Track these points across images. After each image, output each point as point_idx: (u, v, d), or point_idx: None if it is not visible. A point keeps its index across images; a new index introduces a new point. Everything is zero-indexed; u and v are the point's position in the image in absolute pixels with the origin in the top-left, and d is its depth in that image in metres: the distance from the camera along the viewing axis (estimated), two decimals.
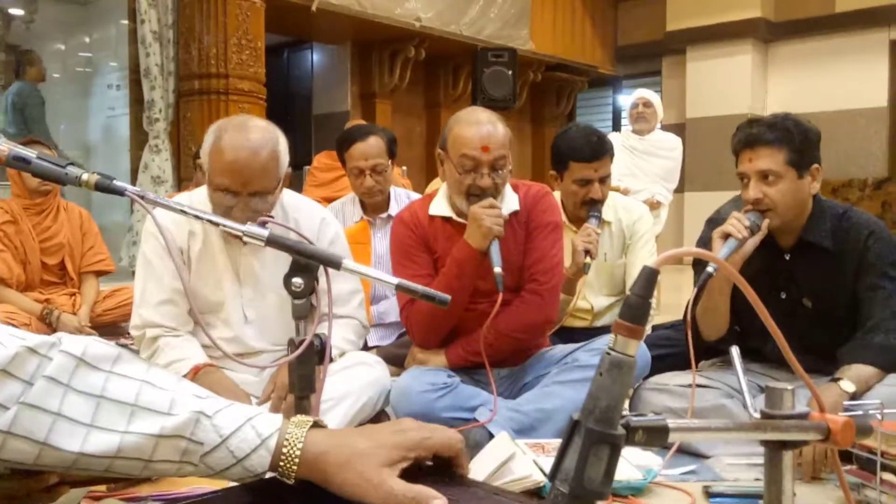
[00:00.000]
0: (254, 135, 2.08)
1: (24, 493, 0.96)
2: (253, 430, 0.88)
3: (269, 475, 0.90)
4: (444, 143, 2.30)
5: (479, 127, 2.23)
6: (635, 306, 0.65)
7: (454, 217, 2.36)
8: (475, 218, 2.20)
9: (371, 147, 3.27)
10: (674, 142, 5.76)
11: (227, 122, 2.16)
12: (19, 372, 0.84)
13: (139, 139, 6.61)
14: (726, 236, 2.18)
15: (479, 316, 2.27)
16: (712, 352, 2.38)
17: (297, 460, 0.87)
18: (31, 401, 0.83)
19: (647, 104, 5.54)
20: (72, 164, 1.24)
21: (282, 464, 0.88)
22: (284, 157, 2.16)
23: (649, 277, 0.66)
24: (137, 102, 6.53)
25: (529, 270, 2.34)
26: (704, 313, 2.28)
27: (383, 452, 0.87)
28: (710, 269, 2.15)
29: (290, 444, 0.88)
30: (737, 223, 2.17)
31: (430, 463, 0.94)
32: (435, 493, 0.84)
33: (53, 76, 8.11)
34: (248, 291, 2.27)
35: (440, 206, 2.39)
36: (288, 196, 2.35)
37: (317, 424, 0.91)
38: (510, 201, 2.36)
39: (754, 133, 2.20)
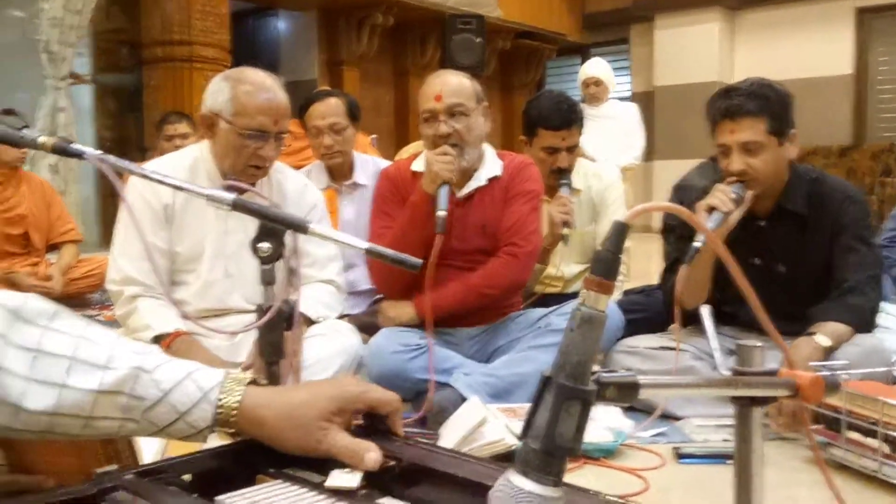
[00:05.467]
0: (268, 79, 2.20)
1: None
2: (194, 384, 0.87)
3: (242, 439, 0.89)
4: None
5: (434, 80, 2.33)
6: (606, 261, 0.64)
7: None
8: (427, 163, 2.27)
9: (329, 106, 3.25)
10: (629, 106, 5.98)
11: (232, 72, 2.24)
12: None
13: (104, 107, 6.46)
14: (711, 209, 2.14)
15: (452, 273, 2.31)
16: (688, 319, 2.39)
17: (234, 413, 0.87)
18: None
19: (598, 83, 5.71)
20: (27, 126, 1.20)
21: (219, 415, 0.87)
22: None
23: (620, 232, 0.65)
24: (102, 70, 6.38)
25: (507, 233, 2.36)
26: (687, 284, 2.27)
27: (320, 404, 0.86)
28: (697, 243, 2.12)
29: (227, 396, 0.87)
30: (722, 196, 2.14)
31: (360, 422, 0.93)
32: (373, 446, 0.84)
33: (5, 43, 7.88)
34: (232, 244, 2.25)
35: (422, 163, 2.42)
36: None
37: (255, 382, 0.91)
38: (492, 167, 2.39)
39: (735, 103, 2.16)
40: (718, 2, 9.42)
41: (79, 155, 1.18)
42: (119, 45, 6.53)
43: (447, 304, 2.29)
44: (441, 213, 2.21)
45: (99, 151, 1.23)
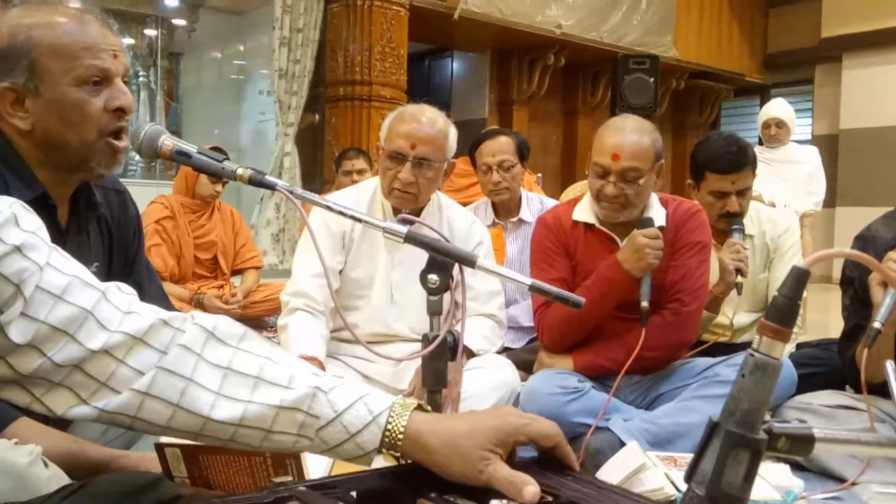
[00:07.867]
0: (430, 111, 2.36)
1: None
2: (365, 406, 0.92)
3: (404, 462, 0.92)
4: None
5: (615, 133, 2.23)
6: (782, 307, 0.62)
7: (597, 224, 2.35)
8: (637, 248, 2.15)
9: (500, 144, 3.34)
10: (810, 150, 5.66)
11: (401, 107, 2.43)
12: (154, 342, 0.91)
13: (303, 142, 6.93)
14: (885, 284, 1.96)
15: (614, 325, 2.25)
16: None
17: (400, 437, 0.90)
18: (167, 366, 0.90)
19: (780, 124, 5.41)
20: (227, 159, 1.31)
21: (387, 438, 0.90)
22: (452, 141, 2.35)
23: (799, 278, 0.63)
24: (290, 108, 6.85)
25: (673, 289, 2.28)
26: (869, 360, 2.10)
27: (483, 435, 0.89)
28: (877, 324, 1.94)
29: (394, 420, 0.91)
30: None
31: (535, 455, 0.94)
32: (531, 480, 0.85)
33: (210, 82, 8.59)
34: (397, 274, 2.39)
35: (584, 212, 2.37)
36: (443, 197, 2.52)
37: (421, 408, 0.94)
38: (657, 216, 2.31)
39: None
40: None
41: (271, 186, 1.28)
42: (312, 86, 6.97)
43: (606, 366, 2.26)
44: (645, 305, 2.16)
45: (287, 183, 1.33)
